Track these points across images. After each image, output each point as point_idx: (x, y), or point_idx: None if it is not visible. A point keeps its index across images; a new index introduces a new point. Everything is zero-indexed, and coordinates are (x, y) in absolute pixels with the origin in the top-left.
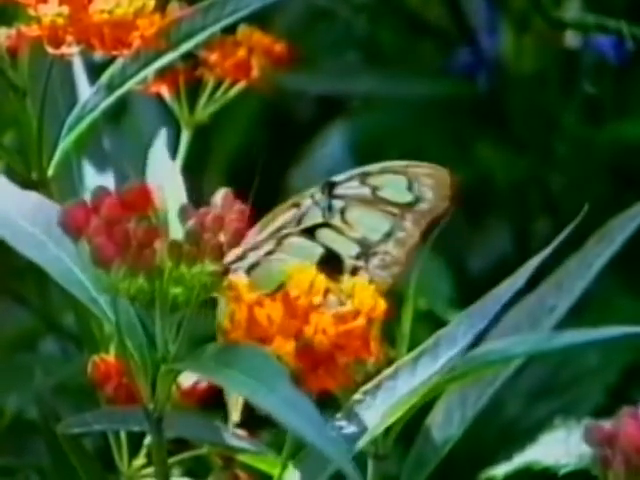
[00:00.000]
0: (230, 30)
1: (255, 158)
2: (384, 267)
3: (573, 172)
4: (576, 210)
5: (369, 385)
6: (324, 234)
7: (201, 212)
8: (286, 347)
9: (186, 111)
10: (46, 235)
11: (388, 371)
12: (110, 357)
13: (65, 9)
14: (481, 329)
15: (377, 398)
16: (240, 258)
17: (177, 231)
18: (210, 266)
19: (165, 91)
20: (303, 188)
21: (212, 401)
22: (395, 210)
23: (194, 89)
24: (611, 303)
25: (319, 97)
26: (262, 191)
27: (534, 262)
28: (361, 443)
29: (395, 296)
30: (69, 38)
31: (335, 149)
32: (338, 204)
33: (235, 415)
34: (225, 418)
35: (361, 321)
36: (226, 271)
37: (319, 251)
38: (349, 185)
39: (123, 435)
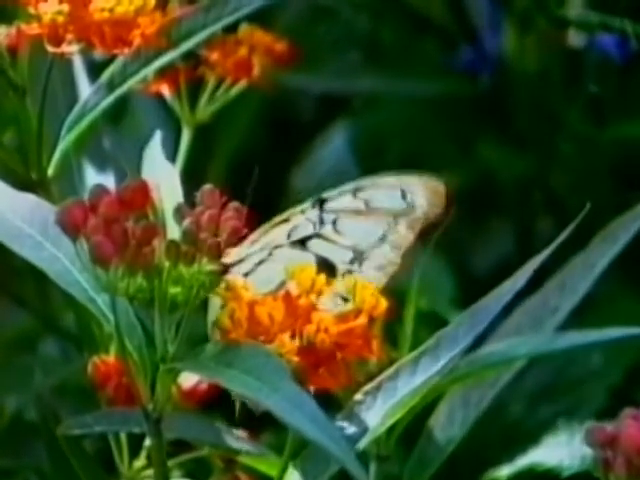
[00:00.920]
0: (231, 29)
1: (257, 157)
2: (379, 268)
3: (576, 171)
4: (580, 210)
5: (370, 386)
6: (315, 243)
7: (197, 211)
8: (287, 346)
9: (187, 110)
10: (43, 235)
11: (389, 371)
12: (110, 358)
13: (65, 7)
14: (483, 329)
15: (378, 398)
16: (228, 267)
17: (174, 230)
18: (208, 265)
19: (166, 90)
20: (305, 187)
21: (213, 402)
22: (389, 217)
23: (195, 88)
24: (614, 304)
25: (321, 96)
26: (264, 190)
27: (536, 262)
28: (362, 444)
29: (397, 296)
30: (69, 36)
31: (337, 148)
32: (329, 217)
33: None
34: (226, 419)
35: (362, 320)
36: (224, 270)
37: (311, 259)
38: (341, 200)
39: (123, 436)
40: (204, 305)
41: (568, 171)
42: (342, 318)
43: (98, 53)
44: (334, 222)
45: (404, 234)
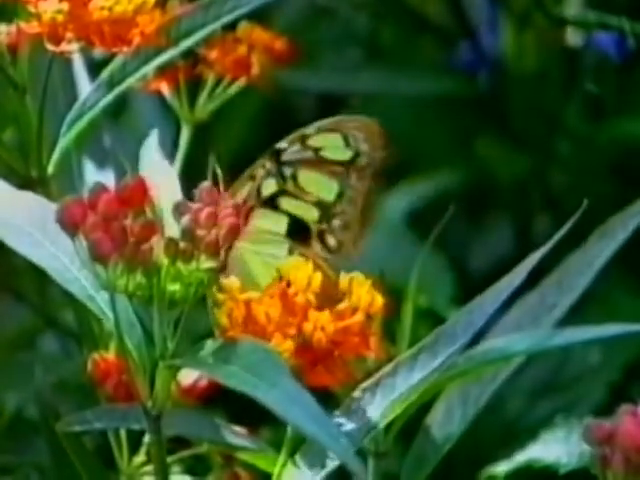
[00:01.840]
0: (230, 27)
1: (255, 156)
2: (345, 227)
3: (574, 170)
4: (578, 208)
5: (368, 382)
6: (284, 202)
7: (195, 209)
8: (285, 344)
9: (186, 108)
10: (42, 233)
11: (387, 368)
12: (110, 354)
13: (65, 6)
14: (481, 326)
15: (376, 395)
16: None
17: (172, 227)
18: (206, 262)
19: (165, 88)
20: None
21: (212, 399)
22: (339, 169)
23: (194, 86)
24: (612, 301)
25: (320, 94)
26: None
27: (533, 259)
28: (360, 440)
29: (396, 293)
30: (69, 35)
31: None
32: (288, 170)
33: None
34: (225, 416)
35: (359, 317)
36: (223, 267)
37: (284, 220)
38: (293, 150)
39: (123, 433)
40: (203, 302)
41: (566, 169)
42: (339, 316)
43: (98, 51)
44: (294, 177)
45: (357, 187)
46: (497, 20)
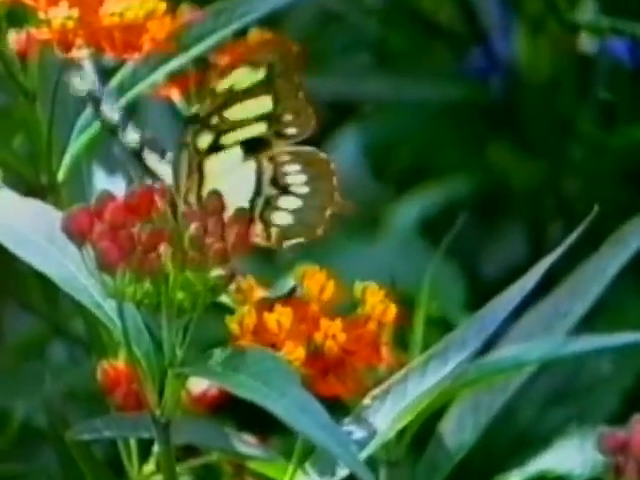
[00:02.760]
0: (241, 34)
1: None
2: (296, 114)
3: (588, 177)
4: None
5: (378, 390)
6: (226, 139)
7: (203, 216)
8: (296, 353)
9: None
10: (49, 242)
11: (397, 375)
12: (119, 363)
13: (75, 12)
14: (493, 334)
15: (386, 402)
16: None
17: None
18: (215, 270)
19: (175, 95)
20: None
21: (222, 407)
22: (260, 89)
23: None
24: (625, 309)
25: (330, 101)
26: None
27: (544, 264)
28: (371, 448)
29: (408, 301)
30: (79, 41)
31: (347, 153)
32: (214, 119)
33: None
34: (235, 424)
35: (372, 327)
36: (232, 275)
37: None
38: (207, 104)
39: (133, 441)
40: (211, 309)
41: (579, 176)
42: (351, 325)
43: (108, 58)
44: (222, 119)
45: (285, 87)
46: (510, 26)
